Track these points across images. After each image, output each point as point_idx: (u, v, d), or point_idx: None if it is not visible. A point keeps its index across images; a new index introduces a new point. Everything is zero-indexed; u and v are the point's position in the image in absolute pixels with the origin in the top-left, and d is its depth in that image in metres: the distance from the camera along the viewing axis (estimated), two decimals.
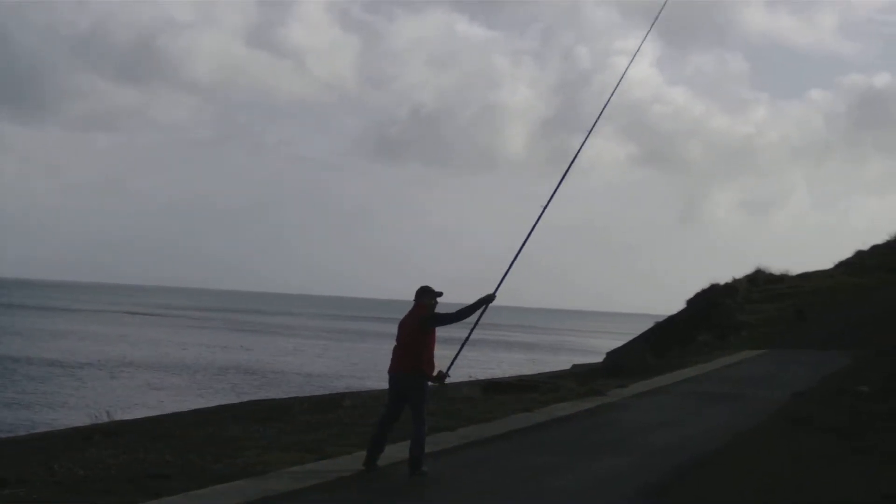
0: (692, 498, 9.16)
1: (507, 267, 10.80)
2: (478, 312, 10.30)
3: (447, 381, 10.37)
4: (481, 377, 28.85)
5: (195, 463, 10.47)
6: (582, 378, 22.43)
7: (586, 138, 12.27)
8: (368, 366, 52.69)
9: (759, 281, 44.51)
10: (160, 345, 65.59)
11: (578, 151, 12.11)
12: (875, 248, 46.16)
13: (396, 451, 10.43)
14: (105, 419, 15.05)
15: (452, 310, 10.19)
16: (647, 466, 10.90)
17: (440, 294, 10.34)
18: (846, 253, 47.94)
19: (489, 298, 10.32)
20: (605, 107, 12.54)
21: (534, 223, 11.19)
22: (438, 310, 10.33)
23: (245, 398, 27.86)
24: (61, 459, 10.87)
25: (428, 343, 10.13)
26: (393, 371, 10.18)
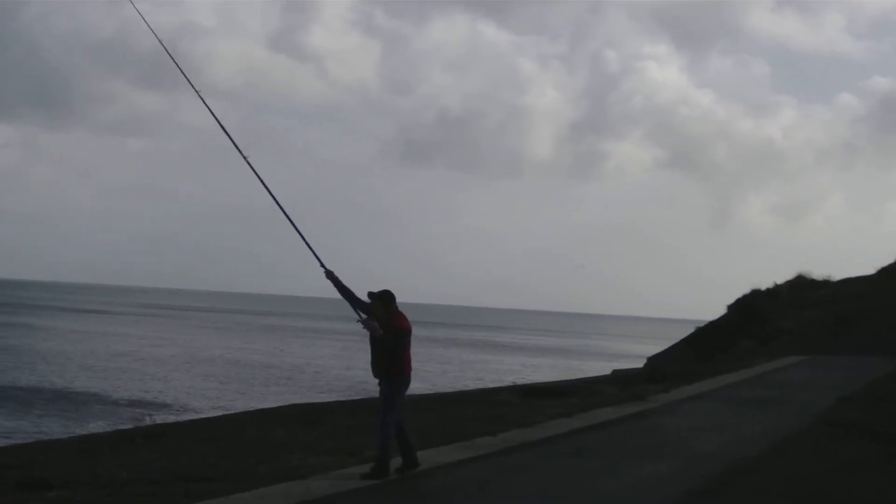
0: None
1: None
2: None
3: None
4: (519, 382, 28.80)
5: (238, 465, 10.53)
6: (623, 383, 22.27)
7: None
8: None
9: (802, 286, 44.00)
10: (198, 348, 66.17)
11: None
12: None
13: (438, 456, 10.43)
14: (147, 422, 15.18)
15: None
16: (689, 472, 10.82)
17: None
18: (884, 258, 47.27)
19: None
20: None
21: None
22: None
23: (285, 401, 27.97)
24: (105, 462, 10.96)
25: None
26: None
